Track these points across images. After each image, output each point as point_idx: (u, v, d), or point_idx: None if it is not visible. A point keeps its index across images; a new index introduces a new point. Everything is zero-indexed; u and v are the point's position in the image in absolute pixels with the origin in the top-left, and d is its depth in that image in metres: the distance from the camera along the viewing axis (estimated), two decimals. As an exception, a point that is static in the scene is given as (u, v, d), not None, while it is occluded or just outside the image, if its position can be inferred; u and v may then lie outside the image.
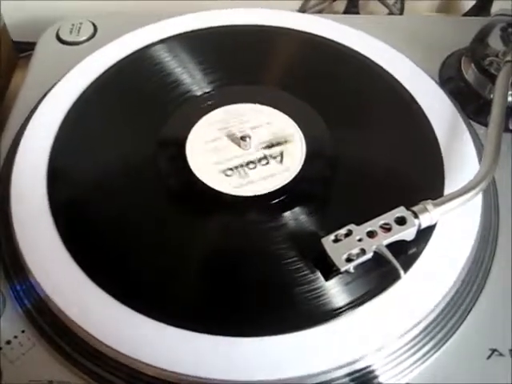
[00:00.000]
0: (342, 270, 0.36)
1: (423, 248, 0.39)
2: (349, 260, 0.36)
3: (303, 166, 0.43)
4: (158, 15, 0.54)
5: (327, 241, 0.37)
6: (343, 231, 0.37)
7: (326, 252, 0.36)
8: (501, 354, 0.37)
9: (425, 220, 0.37)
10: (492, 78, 0.46)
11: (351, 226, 0.37)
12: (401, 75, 0.49)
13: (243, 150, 0.44)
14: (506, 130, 0.43)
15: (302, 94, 0.47)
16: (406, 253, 0.39)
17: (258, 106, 0.46)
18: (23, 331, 0.38)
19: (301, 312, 0.37)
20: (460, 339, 0.38)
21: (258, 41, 0.52)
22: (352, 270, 0.37)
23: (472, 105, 0.48)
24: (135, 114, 0.47)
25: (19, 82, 0.54)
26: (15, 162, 0.43)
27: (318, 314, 0.36)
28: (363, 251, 0.36)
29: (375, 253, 0.37)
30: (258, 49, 0.52)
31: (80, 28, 0.55)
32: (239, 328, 0.36)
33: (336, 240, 0.37)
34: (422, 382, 0.36)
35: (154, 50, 0.51)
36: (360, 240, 0.37)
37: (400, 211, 0.38)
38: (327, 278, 0.37)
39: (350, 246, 0.37)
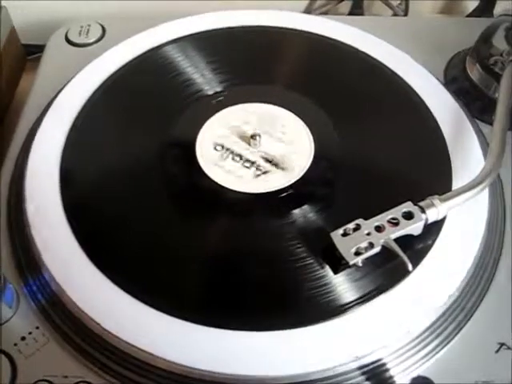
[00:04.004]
0: (351, 263, 0.37)
1: (431, 245, 0.39)
2: (357, 253, 0.37)
3: (312, 163, 0.43)
4: (165, 17, 0.54)
5: (336, 235, 0.37)
6: (352, 225, 0.38)
7: (335, 245, 0.37)
8: (509, 348, 0.37)
9: (432, 215, 0.38)
10: (497, 77, 0.47)
11: (359, 221, 0.38)
12: (407, 75, 0.49)
13: (253, 148, 0.44)
14: (511, 128, 0.44)
15: (311, 93, 0.48)
16: (415, 249, 0.39)
17: (267, 106, 0.47)
18: (37, 327, 0.38)
19: (310, 308, 0.37)
20: (469, 333, 0.38)
21: (267, 41, 0.53)
22: (360, 264, 0.37)
23: (477, 104, 0.49)
24: (146, 113, 0.47)
25: (27, 84, 0.55)
26: (28, 162, 0.44)
27: (328, 309, 0.37)
28: (371, 245, 0.37)
29: (383, 247, 0.37)
30: (265, 49, 0.52)
31: (89, 30, 0.56)
32: (250, 323, 0.36)
33: (345, 234, 0.37)
34: (432, 375, 0.36)
35: (165, 51, 0.51)
36: (368, 234, 0.37)
37: (407, 206, 0.38)
38: (336, 272, 0.38)
39: (358, 239, 0.37)
